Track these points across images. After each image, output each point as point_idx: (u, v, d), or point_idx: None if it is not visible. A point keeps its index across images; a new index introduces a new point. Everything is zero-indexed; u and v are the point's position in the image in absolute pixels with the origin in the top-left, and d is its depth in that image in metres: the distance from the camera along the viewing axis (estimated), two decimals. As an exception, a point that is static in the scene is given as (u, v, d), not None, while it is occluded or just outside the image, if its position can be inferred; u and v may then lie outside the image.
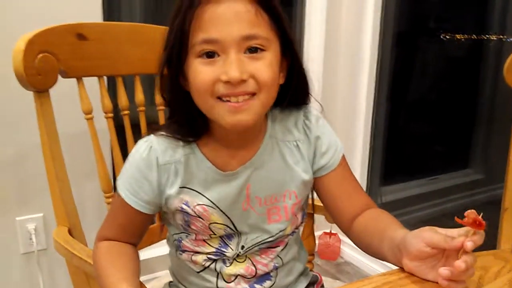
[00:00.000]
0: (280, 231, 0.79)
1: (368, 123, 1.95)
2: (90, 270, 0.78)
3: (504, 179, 0.93)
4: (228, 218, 0.76)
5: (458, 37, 2.40)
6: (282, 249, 0.82)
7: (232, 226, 0.77)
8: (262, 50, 0.66)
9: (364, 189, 1.73)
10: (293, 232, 0.84)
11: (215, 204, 0.75)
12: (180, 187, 0.74)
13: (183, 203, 0.75)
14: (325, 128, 0.80)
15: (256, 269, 0.80)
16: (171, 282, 0.91)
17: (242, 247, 0.79)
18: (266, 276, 0.82)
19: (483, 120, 2.55)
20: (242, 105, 0.66)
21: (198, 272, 0.81)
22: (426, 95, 2.51)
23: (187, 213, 0.76)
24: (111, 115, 1.00)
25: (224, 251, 0.78)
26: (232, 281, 0.81)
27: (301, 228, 0.92)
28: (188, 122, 0.72)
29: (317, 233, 1.23)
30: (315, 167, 0.80)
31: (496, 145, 2.43)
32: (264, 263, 0.81)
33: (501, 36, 2.44)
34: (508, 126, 0.91)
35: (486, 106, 2.53)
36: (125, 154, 0.87)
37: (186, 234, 0.80)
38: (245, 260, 0.80)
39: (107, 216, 0.81)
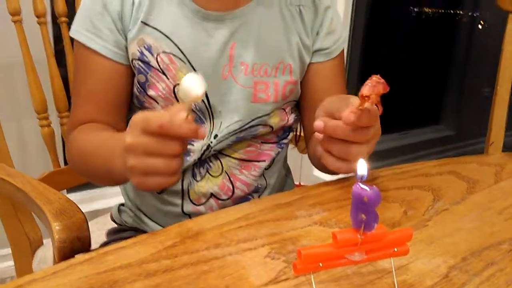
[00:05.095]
0: (265, 114, 0.66)
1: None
2: (10, 192, 0.63)
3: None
4: None
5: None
6: (268, 168, 0.70)
7: (204, 98, 0.63)
8: None
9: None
10: (281, 140, 0.70)
11: (185, 56, 0.61)
12: (142, 22, 0.61)
13: (144, 47, 0.61)
14: (335, 10, 0.69)
15: (233, 187, 0.67)
16: (122, 205, 0.76)
17: (216, 136, 0.65)
18: (244, 199, 0.69)
19: (456, 77, 2.51)
20: None
21: (159, 193, 0.68)
22: (398, 56, 2.44)
23: (148, 64, 0.61)
24: (43, 20, 0.85)
25: (191, 141, 0.64)
26: (202, 203, 0.67)
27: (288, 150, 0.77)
28: None
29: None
30: (315, 47, 0.67)
31: (469, 102, 2.38)
32: (245, 181, 0.68)
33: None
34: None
35: (459, 63, 2.48)
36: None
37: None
38: (221, 173, 0.67)
39: (72, 97, 0.66)
